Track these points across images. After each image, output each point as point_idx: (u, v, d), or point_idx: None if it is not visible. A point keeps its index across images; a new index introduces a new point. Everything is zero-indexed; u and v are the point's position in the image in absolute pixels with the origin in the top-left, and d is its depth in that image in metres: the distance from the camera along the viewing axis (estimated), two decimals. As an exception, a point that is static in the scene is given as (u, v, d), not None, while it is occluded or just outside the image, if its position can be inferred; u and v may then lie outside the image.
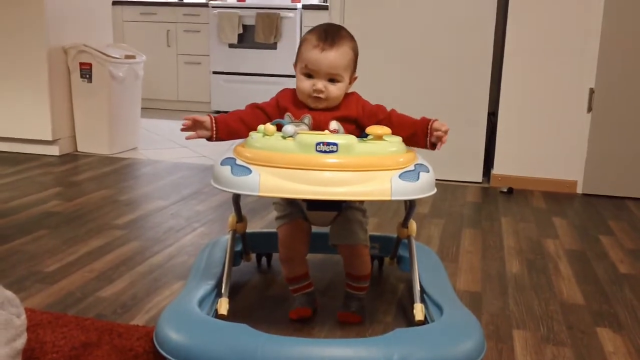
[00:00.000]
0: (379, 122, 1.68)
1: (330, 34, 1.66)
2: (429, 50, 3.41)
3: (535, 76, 3.30)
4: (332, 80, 1.66)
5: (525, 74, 3.32)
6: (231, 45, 5.77)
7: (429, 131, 1.67)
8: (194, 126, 1.66)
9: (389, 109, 1.75)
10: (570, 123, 3.29)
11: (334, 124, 1.67)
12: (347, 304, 1.79)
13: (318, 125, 1.66)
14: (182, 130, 1.66)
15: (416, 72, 3.42)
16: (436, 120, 1.68)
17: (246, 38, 5.73)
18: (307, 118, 1.66)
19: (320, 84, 1.64)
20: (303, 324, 1.73)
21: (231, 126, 1.68)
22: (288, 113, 1.68)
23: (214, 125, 1.66)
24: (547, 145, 3.34)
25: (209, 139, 1.68)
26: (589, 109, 3.26)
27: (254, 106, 1.72)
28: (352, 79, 1.72)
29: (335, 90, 1.66)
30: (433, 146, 1.68)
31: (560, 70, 3.26)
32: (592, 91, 3.24)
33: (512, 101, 3.36)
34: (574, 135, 3.30)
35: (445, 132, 1.66)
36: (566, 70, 3.26)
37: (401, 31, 3.41)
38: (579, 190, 3.34)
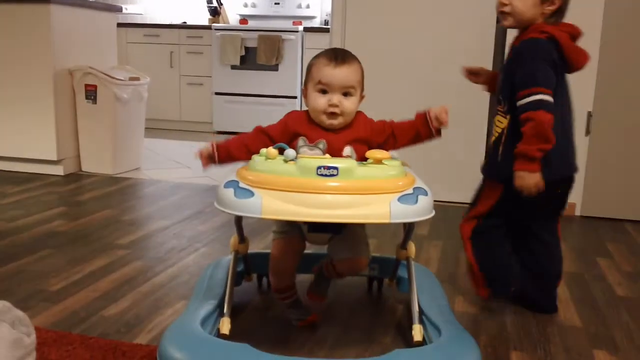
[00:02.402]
0: (387, 138, 1.76)
1: (340, 53, 1.74)
2: (429, 73, 3.46)
3: (533, 100, 3.34)
4: (346, 94, 1.71)
5: (524, 98, 3.36)
6: (233, 67, 5.83)
7: (429, 120, 1.74)
8: (202, 157, 1.76)
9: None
10: (569, 146, 3.33)
11: (347, 150, 1.72)
12: (318, 283, 1.86)
13: (332, 150, 1.70)
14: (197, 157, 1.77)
15: (416, 94, 3.46)
16: (431, 109, 1.75)
17: (248, 60, 5.79)
18: (322, 143, 1.70)
19: (336, 99, 1.69)
20: (303, 344, 1.76)
21: (232, 154, 1.75)
22: (302, 137, 1.72)
23: (214, 151, 1.74)
24: (545, 168, 3.37)
25: (214, 163, 1.76)
26: (587, 132, 3.30)
27: (260, 130, 1.76)
28: (361, 97, 1.77)
29: (350, 105, 1.71)
30: (438, 132, 1.75)
31: (558, 94, 3.30)
32: (590, 114, 3.28)
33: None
34: (572, 158, 3.33)
35: (446, 112, 1.73)
36: (564, 94, 3.30)
37: (402, 54, 3.46)
38: (578, 212, 3.37)
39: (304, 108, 1.81)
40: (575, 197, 3.35)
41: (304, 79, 1.81)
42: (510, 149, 1.79)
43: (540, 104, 1.73)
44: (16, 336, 1.31)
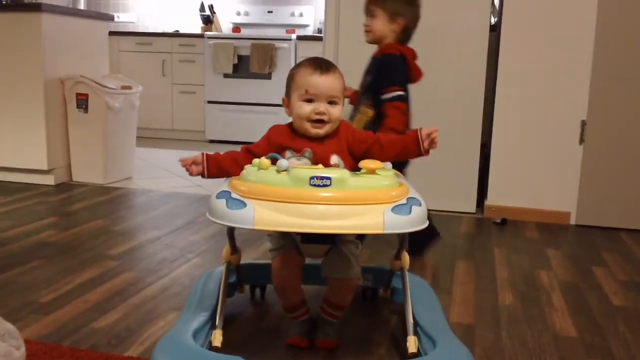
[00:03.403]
0: (369, 148, 1.75)
1: (324, 62, 1.75)
2: (421, 82, 3.44)
3: (527, 108, 3.35)
4: (331, 103, 1.71)
5: (517, 106, 3.36)
6: (226, 75, 5.82)
7: (420, 139, 1.72)
8: (190, 165, 1.73)
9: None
10: (563, 154, 3.33)
11: (334, 159, 1.71)
12: (323, 329, 1.82)
13: (319, 159, 1.69)
14: (182, 166, 1.74)
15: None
16: (422, 128, 1.74)
17: (241, 68, 5.79)
18: (308, 152, 1.69)
19: (323, 107, 1.69)
20: (296, 355, 1.74)
21: (223, 167, 1.73)
22: (289, 149, 1.71)
23: (205, 163, 1.72)
24: (540, 176, 3.37)
25: (202, 175, 1.74)
26: (581, 141, 3.30)
27: (247, 150, 1.76)
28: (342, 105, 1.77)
29: (336, 112, 1.72)
30: (427, 151, 1.74)
31: (552, 102, 3.31)
32: (584, 123, 3.28)
33: (505, 132, 3.40)
34: (566, 166, 3.33)
35: (436, 131, 1.73)
36: (558, 102, 3.30)
37: (395, 63, 3.45)
38: (572, 221, 3.36)
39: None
40: (570, 205, 3.35)
41: (286, 88, 1.79)
42: (376, 130, 2.10)
43: (400, 97, 2.37)
44: (6, 349, 1.29)
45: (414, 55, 2.49)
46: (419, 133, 1.73)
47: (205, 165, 1.72)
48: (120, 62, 6.01)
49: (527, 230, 3.20)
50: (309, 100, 1.71)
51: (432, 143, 1.73)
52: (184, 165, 1.74)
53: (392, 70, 2.41)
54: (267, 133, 1.78)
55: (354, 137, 1.77)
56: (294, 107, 1.73)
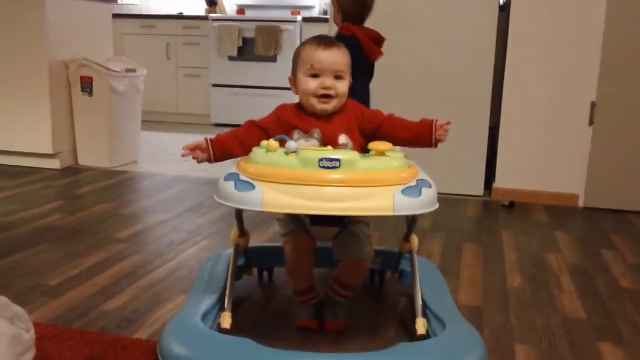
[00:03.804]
0: (379, 126, 1.73)
1: (328, 38, 1.74)
2: (429, 64, 3.43)
3: (536, 89, 3.32)
4: (337, 77, 1.70)
5: (526, 87, 3.34)
6: (231, 58, 5.79)
7: (434, 129, 1.70)
8: (193, 152, 1.69)
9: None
10: (572, 136, 3.31)
11: (343, 138, 1.70)
12: (332, 311, 1.82)
13: (327, 139, 1.67)
14: (183, 156, 1.69)
15: (416, 85, 3.43)
16: (437, 119, 1.73)
17: (246, 51, 5.75)
18: (317, 132, 1.68)
19: (329, 81, 1.68)
20: (305, 337, 1.74)
21: (226, 147, 1.70)
22: (297, 129, 1.69)
23: (210, 148, 1.69)
24: (548, 159, 3.35)
25: (208, 161, 1.70)
26: (591, 122, 3.28)
27: (253, 124, 1.74)
28: (349, 83, 1.75)
29: (342, 87, 1.70)
30: (436, 143, 1.73)
31: (561, 83, 3.28)
32: (593, 104, 3.26)
33: (514, 114, 3.37)
34: (575, 148, 3.31)
35: (449, 124, 1.72)
36: (567, 83, 3.28)
37: (401, 45, 3.43)
38: (581, 203, 3.35)
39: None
40: (579, 188, 3.33)
41: (292, 66, 1.78)
42: None
43: None
44: (15, 332, 1.29)
45: (369, 35, 2.53)
46: (434, 123, 1.71)
47: (211, 151, 1.69)
48: (125, 45, 5.98)
49: (535, 213, 3.19)
50: (315, 76, 1.69)
51: (442, 136, 1.71)
52: (187, 155, 1.69)
53: None
54: (276, 110, 1.76)
55: (363, 114, 1.75)
56: (300, 83, 1.72)
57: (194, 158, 1.69)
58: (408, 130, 1.73)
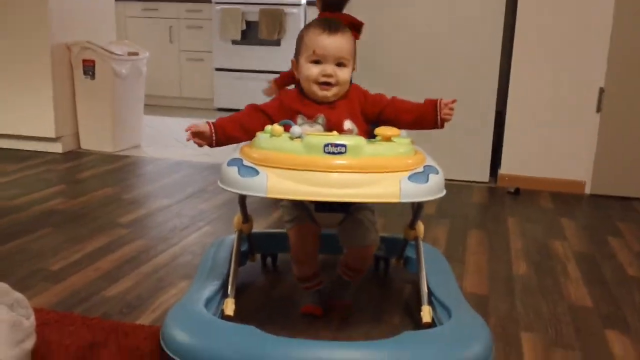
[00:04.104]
0: (382, 109, 1.70)
1: (333, 22, 1.69)
2: (435, 47, 3.39)
3: (544, 75, 3.28)
4: (339, 64, 1.66)
5: (533, 73, 3.29)
6: (234, 42, 5.74)
7: (439, 108, 1.68)
8: (195, 136, 1.65)
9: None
10: (579, 123, 3.27)
11: (348, 124, 1.67)
12: (339, 291, 1.82)
13: (332, 124, 1.65)
14: (188, 140, 1.65)
15: (422, 68, 3.40)
16: (442, 99, 1.70)
17: (250, 34, 5.70)
18: (321, 118, 1.65)
19: (330, 69, 1.65)
20: (309, 324, 1.72)
21: (229, 133, 1.66)
22: (301, 114, 1.66)
23: (212, 134, 1.65)
24: (555, 145, 3.32)
25: (210, 145, 1.66)
26: (598, 109, 3.24)
27: (255, 108, 1.70)
28: (353, 68, 1.72)
29: (344, 75, 1.67)
30: (442, 123, 1.70)
31: (569, 69, 3.24)
32: (601, 90, 3.22)
33: (520, 100, 3.34)
34: (582, 135, 3.27)
35: (454, 102, 1.69)
36: (575, 69, 3.23)
37: (408, 28, 3.39)
38: (587, 190, 3.31)
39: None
40: (585, 175, 3.30)
41: (295, 49, 1.74)
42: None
43: None
44: (15, 319, 1.27)
45: (347, 20, 2.59)
46: (438, 102, 1.69)
47: (213, 136, 1.64)
48: (127, 29, 5.94)
49: (541, 200, 3.16)
50: (317, 62, 1.66)
51: (448, 115, 1.68)
52: (190, 139, 1.64)
53: None
54: (278, 96, 1.74)
55: (367, 99, 1.73)
56: (301, 68, 1.68)
57: (195, 142, 1.66)
58: (412, 112, 1.71)
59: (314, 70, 1.66)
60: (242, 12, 5.64)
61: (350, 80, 1.72)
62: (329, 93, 1.67)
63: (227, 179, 1.47)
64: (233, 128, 1.66)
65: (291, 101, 1.70)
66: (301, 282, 1.80)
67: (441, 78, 3.37)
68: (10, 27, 3.74)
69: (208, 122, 1.66)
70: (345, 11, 2.79)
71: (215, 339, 1.40)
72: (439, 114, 1.69)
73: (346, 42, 1.67)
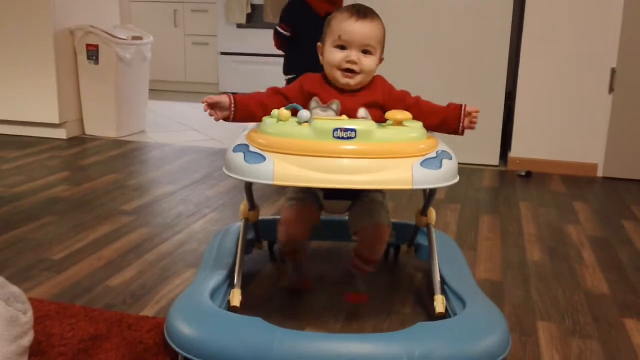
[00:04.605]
0: (407, 108, 1.61)
1: (363, 8, 1.62)
2: (444, 28, 3.31)
3: (554, 55, 3.20)
4: (365, 52, 1.59)
5: (544, 53, 3.21)
6: (239, 26, 5.66)
7: (462, 115, 1.62)
8: (213, 107, 1.59)
9: (413, 94, 1.68)
10: (591, 104, 3.20)
11: (362, 112, 1.60)
12: (353, 284, 1.75)
13: (346, 112, 1.58)
14: (205, 110, 1.60)
15: (431, 50, 3.32)
16: (466, 105, 1.64)
17: (255, 18, 5.62)
18: (335, 104, 1.58)
19: (354, 55, 1.58)
20: (318, 315, 1.67)
21: (250, 110, 1.60)
22: (315, 97, 1.60)
23: (232, 106, 1.58)
24: (566, 127, 3.25)
25: (226, 119, 1.60)
26: (611, 90, 3.16)
27: (276, 91, 1.64)
28: (380, 59, 1.65)
29: (369, 63, 1.59)
30: (463, 131, 1.64)
31: (580, 48, 3.16)
32: (613, 71, 3.14)
33: (531, 80, 3.26)
34: (594, 116, 3.20)
35: (477, 112, 1.65)
36: (587, 48, 3.15)
37: (416, 10, 3.31)
38: (600, 173, 3.25)
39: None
40: (597, 157, 3.23)
41: (322, 34, 1.67)
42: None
43: (275, 31, 3.04)
44: (11, 314, 1.22)
45: None
46: (463, 109, 1.62)
47: (233, 110, 1.58)
48: (132, 13, 5.87)
49: (553, 183, 3.10)
50: (342, 47, 1.59)
51: (471, 123, 1.63)
52: (207, 110, 1.59)
53: (284, 10, 3.05)
54: (300, 79, 1.67)
55: (391, 94, 1.64)
56: (326, 53, 1.61)
57: (211, 115, 1.59)
58: (436, 116, 1.63)
59: (337, 56, 1.59)
60: (246, -6, 5.56)
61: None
62: (352, 81, 1.60)
63: (233, 165, 1.42)
64: (254, 104, 1.60)
65: (311, 86, 1.63)
66: (286, 256, 1.80)
67: (451, 58, 3.29)
68: (13, 12, 3.68)
69: (227, 94, 1.60)
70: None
71: (220, 331, 1.35)
72: (462, 121, 1.62)
73: (375, 28, 1.60)
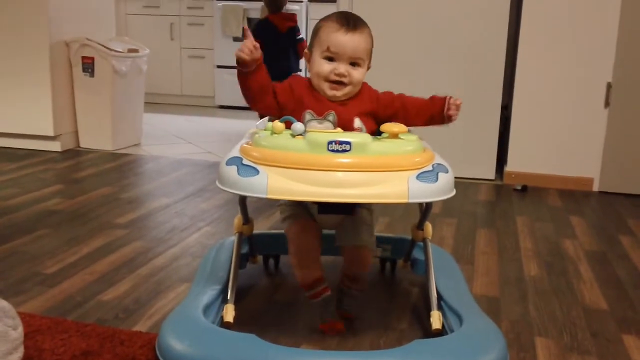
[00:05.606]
0: (395, 112, 1.62)
1: (352, 18, 1.60)
2: (439, 40, 3.31)
3: (550, 69, 3.20)
4: (354, 64, 1.58)
5: (540, 67, 3.22)
6: (236, 39, 5.66)
7: (447, 106, 1.61)
8: (249, 47, 1.55)
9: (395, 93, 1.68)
10: (587, 118, 3.19)
11: (357, 122, 1.59)
12: (346, 302, 1.72)
13: (341, 122, 1.57)
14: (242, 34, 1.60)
15: (426, 63, 3.32)
16: (451, 97, 1.63)
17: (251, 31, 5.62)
18: (332, 115, 1.57)
19: (343, 68, 1.57)
20: (313, 331, 1.64)
21: (265, 79, 1.58)
22: (309, 110, 1.58)
23: (259, 62, 1.56)
24: (562, 141, 3.24)
25: (246, 63, 1.56)
26: (606, 104, 3.16)
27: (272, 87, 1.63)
28: (368, 67, 1.64)
29: (358, 75, 1.59)
30: (449, 119, 1.63)
31: (576, 63, 3.16)
32: (609, 85, 3.14)
33: (527, 94, 3.26)
34: (590, 131, 3.20)
35: (460, 103, 1.63)
36: (583, 63, 3.16)
37: (411, 21, 3.32)
38: (596, 187, 3.24)
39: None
40: (594, 171, 3.23)
41: (309, 41, 1.67)
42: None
43: None
44: (1, 329, 1.20)
45: (282, 16, 3.93)
46: (447, 100, 1.62)
47: (257, 64, 1.56)
48: (128, 26, 5.88)
49: (549, 198, 3.09)
50: (330, 59, 1.58)
51: (454, 113, 1.61)
52: (246, 33, 1.56)
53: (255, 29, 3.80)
54: (289, 80, 1.65)
55: (379, 100, 1.64)
56: (314, 63, 1.61)
57: (243, 48, 1.55)
58: (422, 113, 1.64)
59: (326, 67, 1.58)
60: (243, 8, 5.57)
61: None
62: (339, 93, 1.59)
63: (226, 179, 1.41)
64: (268, 79, 1.59)
65: (301, 91, 1.61)
66: (307, 290, 1.65)
67: (446, 71, 3.29)
68: (8, 24, 3.68)
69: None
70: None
71: (213, 348, 1.33)
72: (446, 113, 1.62)
73: (364, 41, 1.59)
